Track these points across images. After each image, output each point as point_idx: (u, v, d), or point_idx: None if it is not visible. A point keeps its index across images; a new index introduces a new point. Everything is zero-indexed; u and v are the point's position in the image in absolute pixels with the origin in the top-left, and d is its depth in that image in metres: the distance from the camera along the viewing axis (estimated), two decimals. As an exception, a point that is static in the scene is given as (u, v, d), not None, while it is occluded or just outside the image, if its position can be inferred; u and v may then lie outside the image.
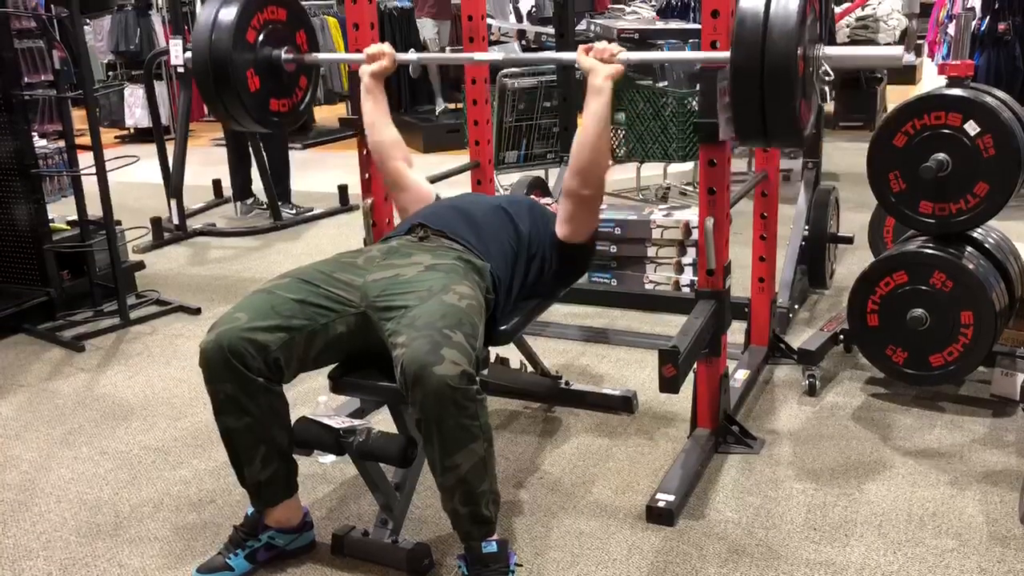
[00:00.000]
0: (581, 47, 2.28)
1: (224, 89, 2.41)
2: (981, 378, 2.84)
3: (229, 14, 2.35)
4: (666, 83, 5.37)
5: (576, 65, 2.30)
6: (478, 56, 2.69)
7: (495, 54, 2.75)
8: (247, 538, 2.11)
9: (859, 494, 2.34)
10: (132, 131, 8.56)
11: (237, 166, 5.57)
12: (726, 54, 2.01)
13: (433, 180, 2.71)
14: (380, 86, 2.52)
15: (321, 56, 2.60)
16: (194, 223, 5.37)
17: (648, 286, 3.81)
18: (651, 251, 3.82)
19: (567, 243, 2.35)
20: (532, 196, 2.88)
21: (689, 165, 5.55)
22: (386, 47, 2.51)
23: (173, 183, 5.15)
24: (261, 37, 2.43)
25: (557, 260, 2.36)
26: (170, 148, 5.31)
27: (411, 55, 2.60)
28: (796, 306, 3.57)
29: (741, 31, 1.91)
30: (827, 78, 2.04)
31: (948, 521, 2.20)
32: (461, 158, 3.47)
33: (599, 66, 2.21)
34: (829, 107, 6.94)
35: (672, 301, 3.60)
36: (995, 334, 2.67)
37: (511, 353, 2.84)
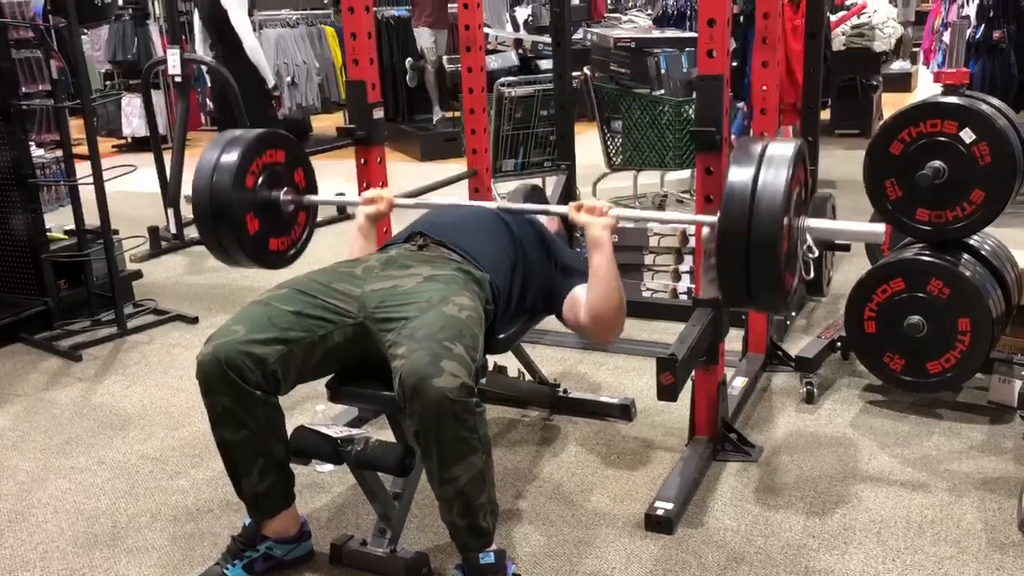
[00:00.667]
0: (572, 204, 2.31)
1: (224, 233, 2.40)
2: (979, 385, 2.85)
3: (229, 162, 2.35)
4: (663, 91, 5.38)
5: (569, 219, 2.31)
6: (473, 203, 2.69)
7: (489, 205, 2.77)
8: (245, 548, 2.10)
9: (857, 502, 2.34)
10: (129, 140, 8.57)
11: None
12: (714, 218, 2.06)
13: (430, 189, 2.72)
14: (375, 228, 2.51)
15: (317, 198, 2.62)
16: (191, 232, 5.36)
17: (646, 293, 3.83)
18: (648, 259, 3.83)
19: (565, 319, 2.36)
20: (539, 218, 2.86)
21: (686, 173, 5.56)
22: (384, 192, 2.52)
23: (170, 192, 5.15)
24: (260, 180, 2.43)
25: (543, 308, 2.39)
26: (167, 157, 5.32)
27: (409, 200, 2.65)
28: (793, 313, 3.57)
29: (730, 200, 1.96)
30: (811, 255, 2.11)
31: (947, 528, 2.20)
32: (458, 166, 3.48)
33: (594, 219, 2.23)
34: (825, 114, 6.96)
35: (669, 308, 3.61)
36: (992, 341, 2.68)
37: (509, 361, 2.84)
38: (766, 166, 1.95)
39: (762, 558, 2.12)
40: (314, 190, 2.63)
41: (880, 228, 2.05)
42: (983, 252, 2.79)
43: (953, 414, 2.78)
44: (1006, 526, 2.20)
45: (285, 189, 2.51)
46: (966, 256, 2.72)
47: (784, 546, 2.16)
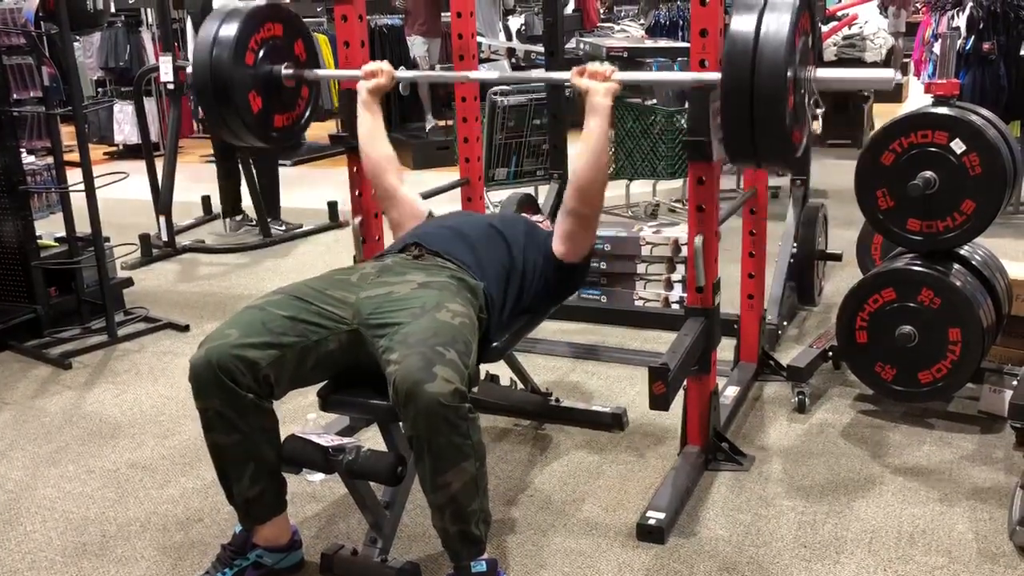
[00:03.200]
0: (575, 68, 2.30)
1: (228, 113, 2.41)
2: (969, 395, 2.85)
3: (227, 38, 2.35)
4: (655, 101, 5.40)
5: (570, 85, 2.31)
6: (472, 74, 2.71)
7: (489, 72, 2.78)
8: (235, 557, 2.09)
9: (849, 511, 2.34)
10: (121, 147, 8.55)
11: (226, 183, 5.57)
12: (717, 75, 2.03)
13: (424, 197, 2.71)
14: (377, 102, 2.55)
15: (321, 72, 2.63)
16: (183, 240, 5.36)
17: (638, 303, 3.83)
18: (641, 268, 3.84)
19: (564, 261, 2.36)
20: (523, 214, 2.88)
21: (678, 182, 5.58)
22: (384, 64, 2.54)
23: (162, 200, 5.14)
24: (260, 55, 2.43)
25: (552, 278, 2.37)
26: (159, 164, 5.31)
27: (409, 72, 2.64)
28: (785, 323, 3.58)
29: (732, 52, 1.91)
30: (818, 109, 2.06)
31: (938, 538, 2.21)
32: (451, 175, 3.48)
33: (597, 84, 2.23)
34: (816, 125, 6.99)
35: (662, 318, 3.61)
36: (983, 351, 2.69)
37: (501, 370, 2.83)
38: (769, 13, 1.87)
39: (754, 567, 2.12)
40: (315, 61, 2.64)
41: (889, 73, 1.98)
42: (974, 262, 2.81)
43: (944, 424, 2.79)
44: (997, 536, 2.20)
45: (286, 64, 2.50)
46: (957, 266, 2.73)
47: (776, 555, 2.16)
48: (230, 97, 2.38)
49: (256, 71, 2.44)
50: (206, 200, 6.05)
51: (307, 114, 2.65)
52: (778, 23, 1.89)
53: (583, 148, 2.25)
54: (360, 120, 2.55)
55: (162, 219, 5.11)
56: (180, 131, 5.59)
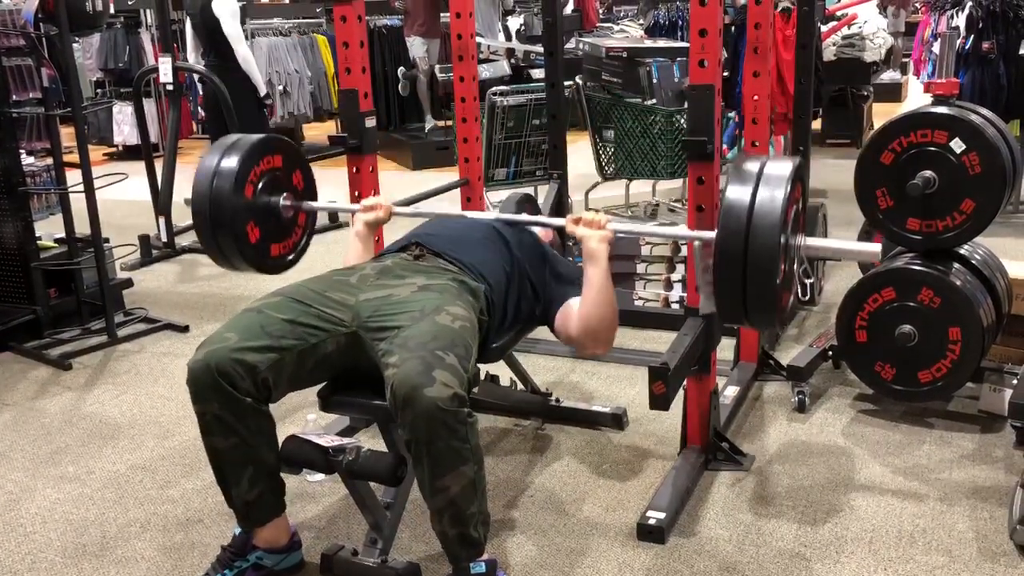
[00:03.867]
0: (569, 216, 2.31)
1: (226, 243, 2.41)
2: (969, 394, 2.85)
3: (229, 171, 2.36)
4: (655, 101, 5.40)
5: (567, 232, 2.32)
6: (470, 214, 2.70)
7: (486, 214, 2.79)
8: (235, 558, 2.09)
9: (849, 511, 2.34)
10: (120, 148, 8.55)
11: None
12: (712, 234, 2.05)
13: (423, 198, 2.72)
14: (372, 235, 2.52)
15: (317, 204, 2.62)
16: (183, 240, 5.35)
17: (638, 302, 3.83)
18: (640, 268, 3.84)
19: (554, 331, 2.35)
20: (525, 213, 2.86)
21: (678, 182, 5.58)
22: (383, 200, 2.53)
23: (162, 200, 5.13)
24: (259, 188, 2.43)
25: (538, 318, 2.38)
26: (159, 165, 5.31)
27: (406, 208, 2.66)
28: (783, 326, 3.58)
29: (727, 221, 1.95)
30: (807, 278, 2.09)
31: (938, 537, 2.21)
32: (451, 175, 3.48)
33: (591, 232, 2.23)
34: (816, 124, 6.99)
35: (661, 318, 3.61)
36: (983, 350, 2.68)
37: (501, 370, 2.83)
38: (764, 185, 1.94)
39: (754, 567, 2.12)
40: (313, 191, 2.64)
41: (876, 248, 2.04)
42: (973, 261, 2.80)
43: (944, 423, 2.79)
44: (997, 535, 2.20)
45: (284, 194, 2.51)
46: (957, 265, 2.73)
47: (776, 555, 2.16)
48: (229, 228, 2.38)
49: (255, 202, 2.43)
50: (206, 201, 6.04)
51: (303, 241, 2.64)
52: (772, 195, 1.94)
53: (588, 296, 2.22)
54: (350, 248, 2.50)
55: (162, 220, 5.11)
56: (179, 132, 5.58)
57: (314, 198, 2.65)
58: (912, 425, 2.78)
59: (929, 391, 2.72)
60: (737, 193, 1.95)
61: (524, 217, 2.61)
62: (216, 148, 2.43)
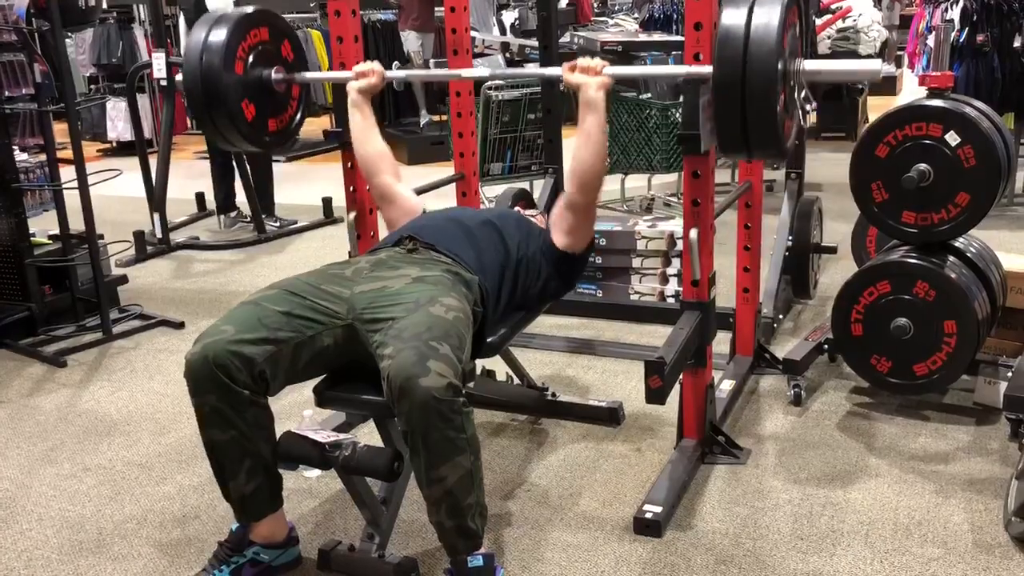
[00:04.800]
0: (566, 64, 2.31)
1: (223, 124, 2.43)
2: (964, 387, 2.86)
3: (216, 46, 2.36)
4: (649, 95, 5.40)
5: (563, 81, 2.31)
6: (465, 72, 2.70)
7: (481, 69, 2.78)
8: (232, 554, 2.09)
9: (845, 503, 2.34)
10: (114, 144, 8.52)
11: (220, 179, 5.56)
12: (708, 68, 2.03)
13: (418, 192, 2.71)
14: (367, 101, 2.55)
15: (310, 75, 2.64)
16: (177, 237, 5.35)
17: (633, 297, 3.83)
18: (636, 262, 3.84)
19: (568, 253, 2.38)
20: (517, 208, 2.88)
21: (673, 176, 5.58)
22: (375, 65, 2.54)
23: (156, 196, 5.12)
24: (250, 61, 2.44)
25: (551, 271, 2.38)
26: (153, 161, 5.29)
27: (399, 72, 2.63)
28: (780, 316, 3.58)
29: (723, 46, 1.92)
30: (808, 106, 2.07)
31: (934, 529, 2.21)
32: (446, 170, 3.47)
33: (589, 79, 2.24)
34: (812, 117, 6.99)
35: (657, 312, 3.61)
36: (978, 343, 2.69)
37: (497, 365, 2.83)
38: (758, 7, 1.90)
39: (751, 560, 2.12)
40: (303, 60, 2.64)
41: (876, 65, 2.00)
42: (968, 254, 2.81)
43: (939, 416, 2.79)
44: (992, 527, 2.20)
45: (276, 68, 2.51)
46: (952, 258, 2.74)
47: (772, 548, 2.17)
48: (224, 108, 2.39)
49: (246, 79, 2.44)
50: (200, 196, 6.04)
51: (299, 114, 2.66)
52: (768, 17, 1.91)
53: (582, 142, 2.26)
54: (351, 120, 2.55)
55: (156, 216, 5.10)
56: (174, 127, 5.57)
57: (305, 68, 2.66)
58: (908, 418, 2.79)
59: (925, 384, 2.74)
60: (731, 19, 1.91)
61: (517, 71, 2.63)
62: (201, 24, 2.42)
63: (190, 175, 6.81)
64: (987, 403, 2.79)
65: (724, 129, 2.00)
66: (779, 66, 1.90)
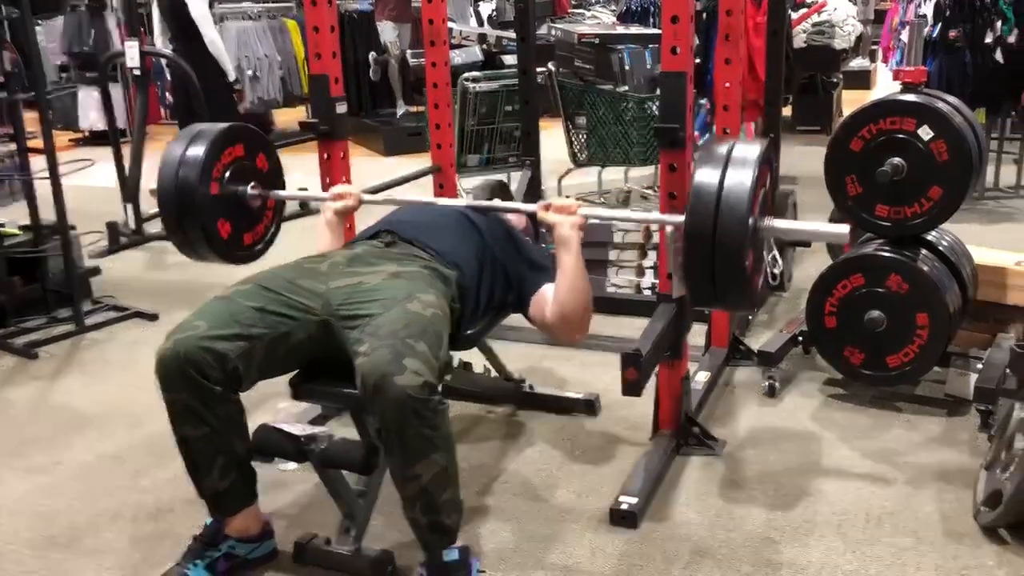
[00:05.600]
0: (540, 202, 2.29)
1: (196, 237, 2.39)
2: (936, 378, 2.89)
3: (195, 162, 2.33)
4: (627, 88, 5.40)
5: (538, 219, 2.29)
6: (440, 201, 2.69)
7: (460, 200, 2.80)
8: (207, 548, 2.08)
9: (818, 494, 2.37)
10: (87, 134, 8.41)
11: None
12: (680, 218, 2.05)
13: (394, 184, 2.71)
14: (342, 224, 2.50)
15: (283, 193, 2.60)
16: (151, 228, 5.28)
17: (610, 289, 3.84)
18: (613, 254, 3.85)
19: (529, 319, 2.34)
20: (496, 199, 2.86)
21: (650, 169, 5.59)
22: (353, 189, 2.51)
23: (130, 187, 5.07)
24: (225, 180, 2.40)
25: (512, 306, 2.36)
26: (126, 151, 5.23)
27: (376, 195, 2.65)
28: (756, 309, 3.60)
29: (696, 203, 1.95)
30: (776, 265, 2.10)
31: (905, 520, 2.24)
32: (423, 161, 3.46)
33: (563, 219, 2.21)
34: (787, 111, 7.03)
35: (634, 304, 3.62)
36: (949, 335, 2.73)
37: (475, 357, 2.83)
38: (732, 167, 1.95)
39: (726, 551, 2.14)
40: (279, 172, 2.61)
41: (844, 229, 2.07)
42: (941, 248, 2.84)
43: (911, 407, 2.83)
44: (962, 516, 2.24)
45: (251, 184, 2.48)
46: (924, 252, 2.77)
47: (747, 539, 2.19)
48: (199, 226, 2.36)
49: (222, 197, 2.40)
50: (174, 187, 5.97)
51: (274, 226, 2.62)
52: (740, 178, 1.94)
53: (562, 282, 2.20)
54: (321, 237, 2.48)
55: (129, 207, 5.05)
56: (147, 117, 5.51)
57: (281, 179, 2.62)
58: (880, 409, 2.82)
59: (897, 375, 2.77)
60: (705, 176, 1.96)
61: (495, 203, 2.60)
62: (179, 140, 2.38)
63: (164, 165, 6.73)
64: (958, 394, 2.82)
65: (694, 279, 2.02)
66: (750, 223, 1.94)
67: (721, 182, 1.93)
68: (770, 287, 3.70)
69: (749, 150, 1.99)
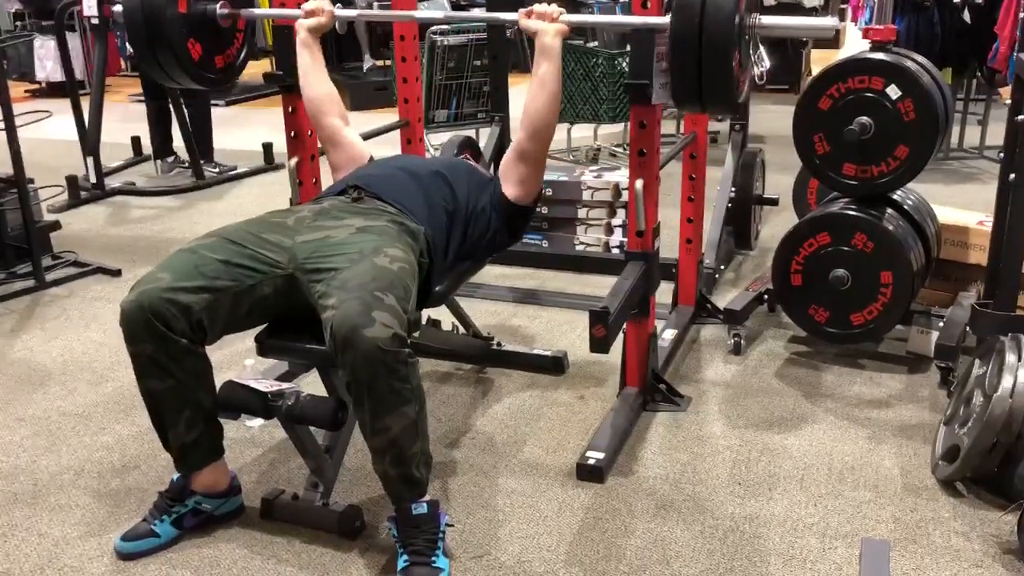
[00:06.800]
0: (522, 10, 2.30)
1: (168, 61, 2.41)
2: (898, 336, 2.94)
3: None
4: (596, 43, 5.36)
5: (518, 28, 2.31)
6: (418, 14, 2.65)
7: (435, 12, 2.74)
8: (173, 504, 2.07)
9: (782, 449, 2.41)
10: (43, 85, 8.18)
11: (157, 123, 5.40)
12: (666, 19, 2.02)
13: (363, 138, 2.65)
14: (316, 41, 2.50)
15: (257, 11, 2.58)
16: (113, 182, 5.20)
17: (579, 247, 3.84)
18: (581, 213, 3.84)
19: (518, 204, 2.37)
20: (464, 157, 2.85)
21: (619, 126, 5.57)
22: (324, 3, 2.48)
23: (89, 140, 4.95)
24: None
25: (500, 223, 2.36)
26: (85, 103, 5.11)
27: (349, 11, 2.59)
28: (722, 267, 3.63)
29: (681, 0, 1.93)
30: (762, 63, 2.08)
31: (866, 474, 2.29)
32: (390, 116, 3.42)
33: (546, 26, 2.24)
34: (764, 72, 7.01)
35: (602, 262, 3.63)
36: (912, 293, 2.76)
37: (443, 315, 2.82)
38: None
39: (690, 505, 2.17)
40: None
41: (831, 22, 2.05)
42: (906, 207, 2.87)
43: (874, 364, 2.87)
44: (920, 471, 2.29)
45: (220, 3, 2.49)
46: (890, 211, 2.79)
47: (711, 493, 2.22)
48: (169, 47, 2.38)
49: (191, 15, 2.41)
50: (136, 141, 5.86)
51: (244, 48, 2.67)
52: None
53: (536, 89, 2.25)
54: (300, 60, 2.49)
55: (90, 160, 4.94)
56: (107, 68, 5.37)
57: (250, 3, 2.64)
58: (843, 366, 2.86)
59: (861, 333, 2.81)
60: None
61: (473, 15, 2.62)
62: None
63: (125, 118, 6.60)
64: (919, 352, 2.87)
65: (679, 81, 2.01)
66: (736, 19, 1.91)
67: None
68: (734, 238, 3.72)
69: None
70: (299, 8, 2.50)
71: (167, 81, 2.52)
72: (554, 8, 2.25)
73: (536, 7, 2.27)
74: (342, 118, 2.51)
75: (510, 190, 2.36)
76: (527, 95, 2.28)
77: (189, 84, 2.54)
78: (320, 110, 2.49)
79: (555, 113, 2.28)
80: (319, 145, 2.66)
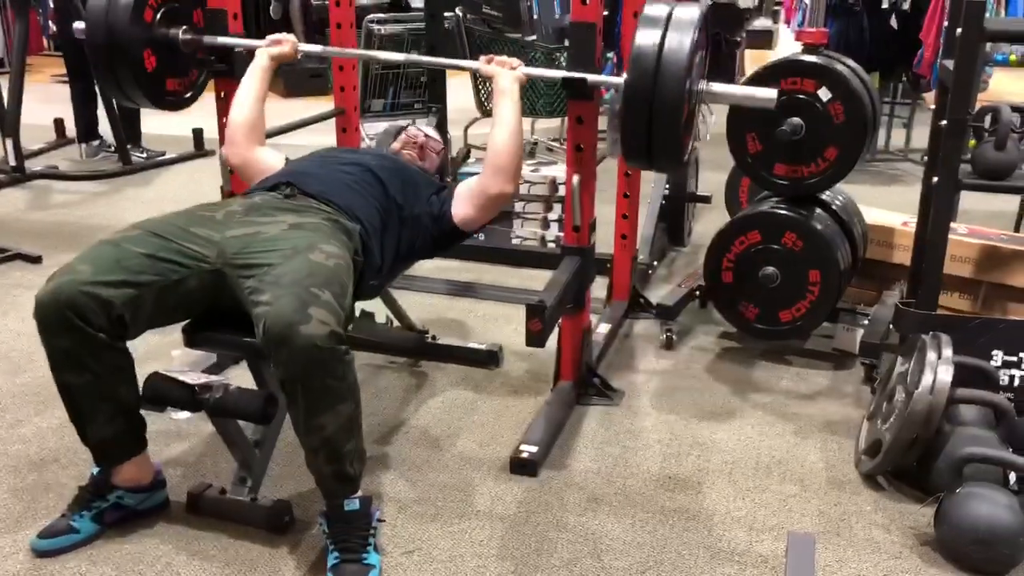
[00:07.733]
0: (483, 57, 2.38)
1: (120, 66, 2.41)
2: (825, 333, 3.01)
3: None
4: (535, 37, 5.36)
5: (480, 72, 2.40)
6: (381, 54, 2.67)
7: (394, 55, 2.82)
8: (94, 498, 2.01)
9: (711, 443, 2.44)
10: (-39, 63, 7.87)
11: (82, 105, 5.23)
12: (620, 80, 2.11)
13: (295, 127, 2.63)
14: (272, 71, 2.47)
15: (220, 39, 2.54)
16: (34, 165, 5.01)
17: (515, 241, 3.84)
18: (518, 206, 3.84)
19: (459, 229, 2.34)
20: (405, 152, 2.77)
21: (556, 121, 5.58)
22: (291, 36, 2.48)
23: (8, 121, 4.76)
24: (158, 17, 2.44)
25: (431, 236, 2.34)
26: (4, 82, 4.92)
27: (314, 47, 2.68)
28: (656, 263, 3.67)
29: (636, 62, 2.03)
30: (711, 116, 2.28)
31: (792, 468, 2.33)
32: (325, 104, 3.37)
33: (504, 70, 2.30)
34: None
35: (538, 256, 3.63)
36: (839, 292, 2.83)
37: (377, 307, 2.79)
38: (672, 30, 2.03)
39: (621, 498, 2.19)
40: (216, 30, 2.60)
41: (772, 93, 2.18)
42: (834, 207, 2.93)
43: (801, 360, 2.93)
44: (844, 465, 2.34)
45: (184, 28, 2.49)
46: (819, 211, 2.85)
47: (642, 486, 2.24)
48: (125, 52, 2.38)
49: (153, 30, 2.44)
50: (59, 123, 5.67)
51: (200, 80, 2.66)
52: (680, 39, 2.03)
53: (497, 128, 2.26)
54: (248, 80, 2.43)
55: (9, 142, 4.76)
56: (27, 47, 5.17)
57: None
58: (772, 362, 2.92)
59: (788, 330, 2.87)
60: (646, 38, 2.03)
61: (439, 60, 2.73)
62: None
63: (47, 99, 6.37)
64: (845, 349, 2.94)
65: (629, 137, 2.11)
66: (687, 84, 2.03)
67: (661, 44, 2.02)
68: (668, 235, 3.78)
69: (689, 12, 2.07)
70: (264, 40, 2.50)
71: (123, 100, 2.54)
72: (515, 61, 2.34)
73: (497, 57, 2.35)
74: (261, 143, 2.45)
75: (461, 211, 2.32)
76: (491, 138, 2.28)
77: (138, 96, 2.51)
78: (242, 138, 2.41)
79: (518, 148, 2.28)
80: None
